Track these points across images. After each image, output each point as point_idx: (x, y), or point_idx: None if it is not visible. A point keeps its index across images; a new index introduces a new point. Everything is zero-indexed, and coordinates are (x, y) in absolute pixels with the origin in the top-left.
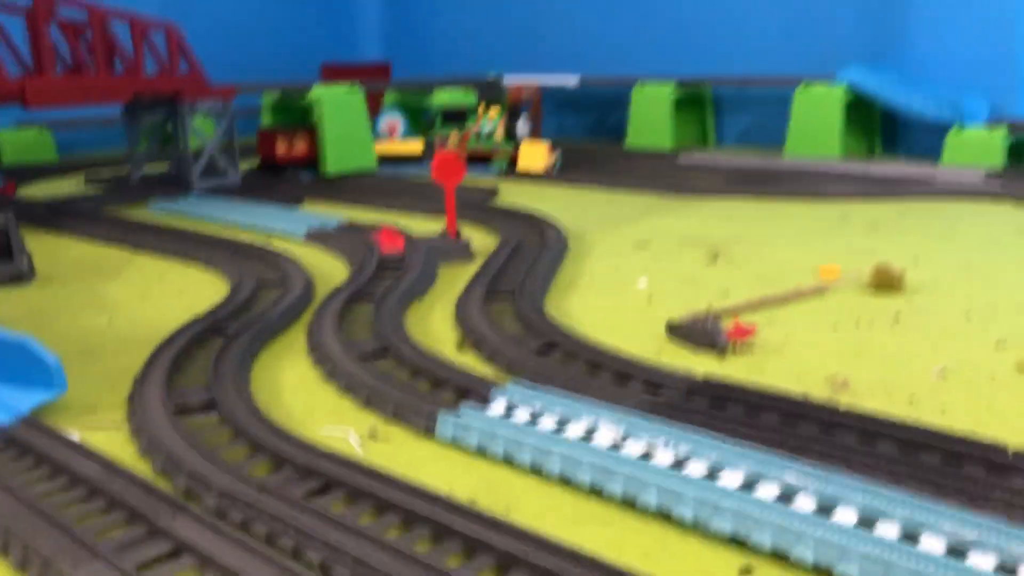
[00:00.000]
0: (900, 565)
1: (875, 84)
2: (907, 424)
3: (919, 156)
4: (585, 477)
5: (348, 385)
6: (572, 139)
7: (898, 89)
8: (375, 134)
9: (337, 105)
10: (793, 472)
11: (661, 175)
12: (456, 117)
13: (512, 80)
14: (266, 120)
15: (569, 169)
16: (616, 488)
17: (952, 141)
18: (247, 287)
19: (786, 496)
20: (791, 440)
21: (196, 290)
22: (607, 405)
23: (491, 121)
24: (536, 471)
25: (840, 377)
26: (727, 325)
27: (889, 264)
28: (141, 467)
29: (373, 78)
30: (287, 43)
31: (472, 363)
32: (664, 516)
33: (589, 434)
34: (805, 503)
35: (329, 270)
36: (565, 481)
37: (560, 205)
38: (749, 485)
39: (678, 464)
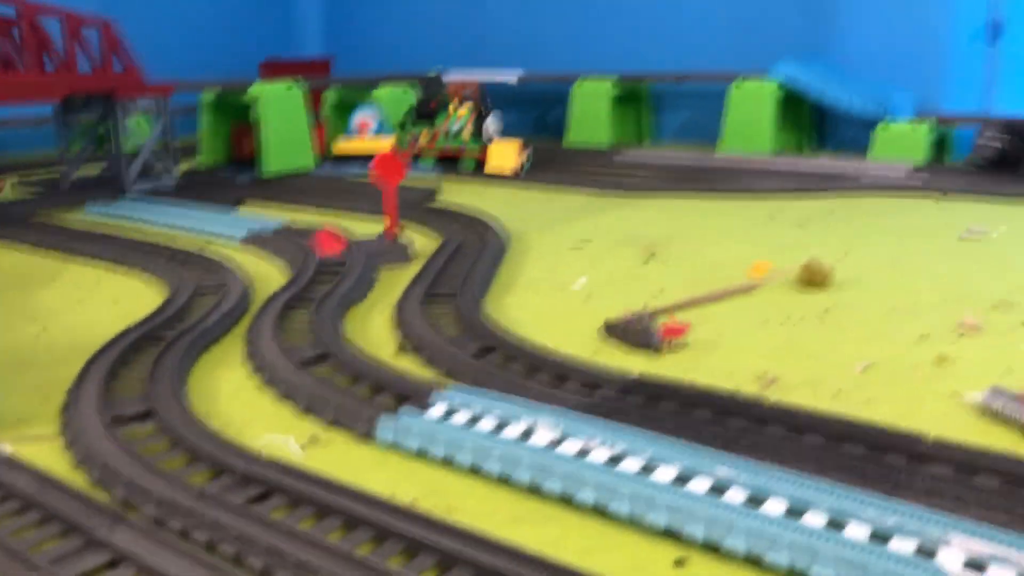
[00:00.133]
0: (826, 552)
1: (806, 80)
2: (832, 417)
3: (848, 150)
4: (524, 476)
5: (287, 392)
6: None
7: (828, 85)
8: (348, 131)
9: (277, 102)
10: (724, 466)
11: (599, 173)
12: (426, 115)
13: (453, 76)
14: (205, 119)
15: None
16: (554, 486)
17: (880, 136)
18: (184, 294)
19: (718, 489)
20: (723, 435)
21: (132, 297)
22: (545, 406)
23: (459, 120)
24: (476, 472)
25: (769, 374)
26: (661, 324)
27: (818, 261)
28: (76, 479)
29: (314, 74)
30: (226, 40)
31: (412, 367)
32: (601, 512)
33: (527, 434)
34: (736, 495)
35: (267, 275)
36: (505, 481)
37: (500, 204)
38: (683, 479)
39: (614, 461)
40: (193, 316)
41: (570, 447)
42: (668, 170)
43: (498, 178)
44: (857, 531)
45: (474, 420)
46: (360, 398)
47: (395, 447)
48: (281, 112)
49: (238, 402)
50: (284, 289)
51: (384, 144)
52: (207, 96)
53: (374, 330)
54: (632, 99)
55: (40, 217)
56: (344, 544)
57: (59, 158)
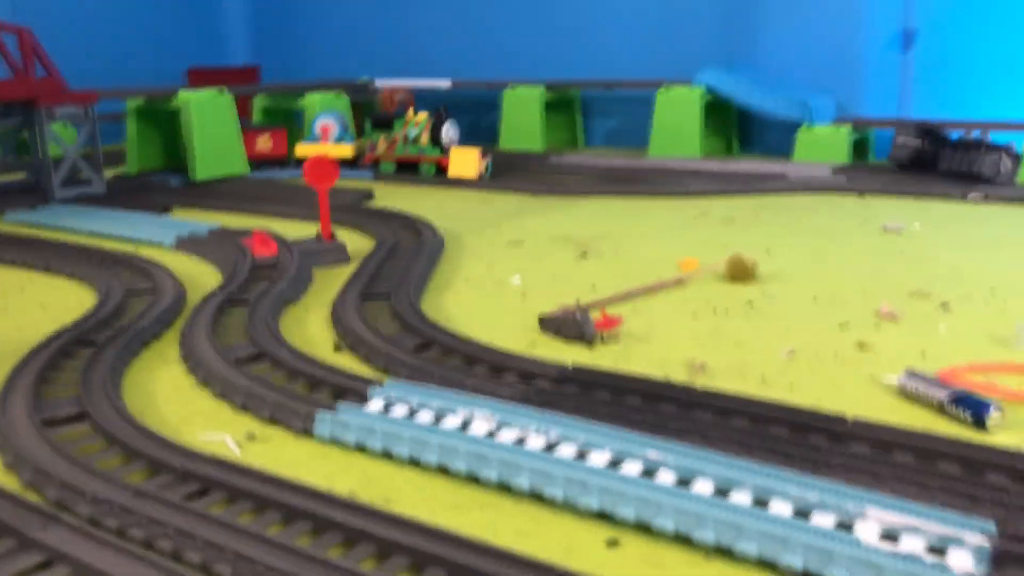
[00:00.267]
0: (751, 527)
1: (730, 86)
2: (758, 401)
3: (773, 153)
4: (461, 465)
5: (223, 391)
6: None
7: (752, 90)
8: (310, 137)
9: (205, 109)
10: (655, 449)
11: (533, 176)
12: (383, 123)
13: (384, 84)
14: (132, 126)
15: (441, 172)
16: (491, 474)
17: (802, 139)
18: (115, 297)
19: (649, 472)
20: (653, 420)
21: (60, 302)
22: (483, 397)
23: (417, 126)
24: (414, 463)
25: (698, 361)
26: (595, 317)
27: (743, 256)
28: (7, 481)
29: (242, 82)
30: (152, 48)
31: (349, 364)
32: (537, 497)
33: (465, 426)
34: (666, 477)
35: (201, 277)
36: (443, 471)
37: (435, 206)
38: (615, 464)
39: (549, 448)
40: (126, 318)
41: (506, 436)
42: (600, 173)
43: (433, 182)
44: (781, 508)
45: (412, 413)
46: (297, 395)
47: (333, 442)
48: (210, 118)
49: (174, 401)
50: (219, 290)
51: (344, 150)
52: (133, 103)
53: (311, 329)
54: (563, 105)
55: None
56: (283, 536)
57: None
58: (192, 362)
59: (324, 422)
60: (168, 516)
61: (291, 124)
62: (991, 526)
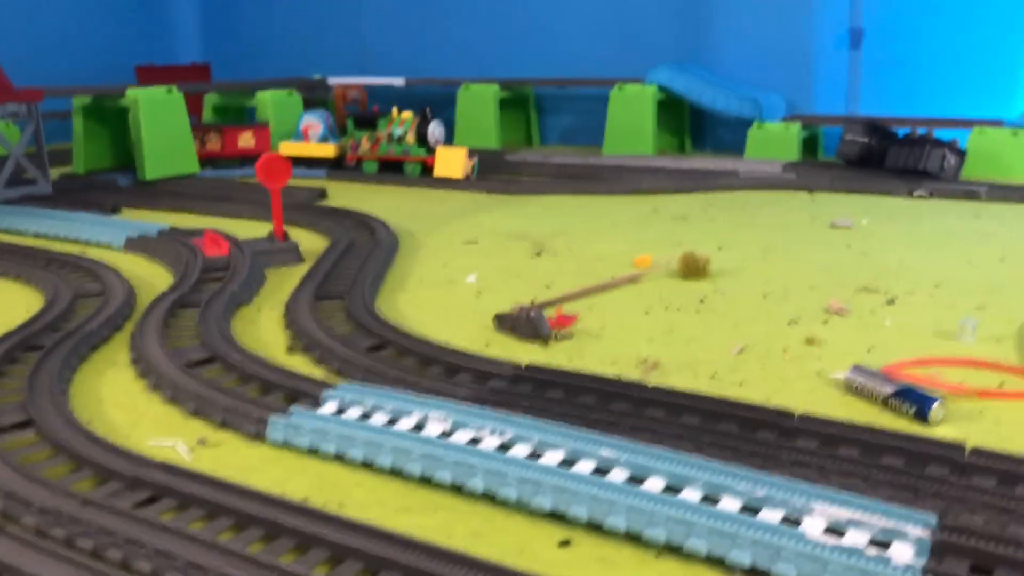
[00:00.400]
0: (701, 524)
1: (682, 84)
2: (709, 397)
3: (725, 150)
4: (415, 468)
5: (174, 395)
6: None
7: (704, 88)
8: (295, 136)
9: (155, 107)
10: (607, 448)
11: (488, 173)
12: (366, 122)
13: (337, 81)
14: (76, 126)
15: (398, 170)
16: (445, 475)
17: (753, 136)
18: (63, 300)
19: (601, 470)
20: (606, 418)
21: (5, 306)
22: (437, 398)
23: (402, 125)
24: (368, 466)
25: (651, 359)
26: (550, 315)
27: (695, 252)
28: None
29: (193, 79)
30: (98, 45)
31: (303, 366)
32: (490, 498)
33: (419, 427)
34: (618, 475)
35: (151, 279)
36: (396, 473)
37: (390, 205)
38: (569, 463)
39: (504, 448)
40: (73, 322)
41: (461, 437)
42: (555, 171)
43: (385, 180)
44: (730, 504)
45: (366, 416)
46: (249, 399)
47: (286, 446)
48: (160, 116)
49: (123, 407)
50: (169, 291)
51: (326, 149)
52: (80, 101)
53: (263, 330)
54: (518, 104)
55: None
56: (235, 543)
57: None
58: (142, 366)
59: (277, 426)
60: (117, 525)
61: (242, 122)
62: (932, 518)
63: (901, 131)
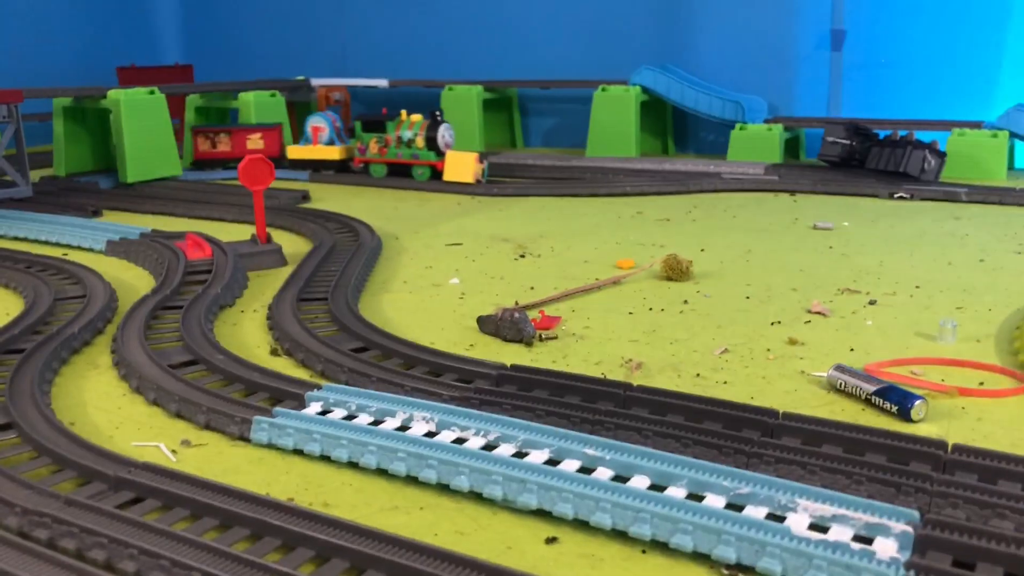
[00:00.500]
0: (686, 520)
1: (665, 86)
2: (693, 397)
3: (708, 152)
4: (400, 467)
5: (157, 398)
6: None
7: (687, 90)
8: (303, 139)
9: (136, 109)
10: (592, 447)
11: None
12: (375, 124)
13: (320, 83)
14: (57, 128)
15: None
16: (430, 475)
17: (736, 138)
18: (43, 303)
19: (586, 469)
20: (591, 418)
21: None
22: (422, 399)
23: (411, 128)
24: (353, 467)
25: (635, 359)
26: (534, 316)
27: (677, 255)
28: None
29: (175, 81)
30: (79, 46)
31: (286, 368)
32: (476, 496)
33: (404, 427)
34: (603, 474)
35: (133, 282)
36: (382, 473)
37: (373, 207)
38: (554, 462)
39: (489, 448)
40: (54, 325)
41: (446, 437)
42: (539, 173)
43: (370, 182)
44: (715, 501)
45: (351, 417)
46: (233, 401)
47: (270, 447)
48: (142, 118)
49: (106, 410)
50: (151, 294)
51: (333, 152)
52: (61, 102)
53: (246, 333)
54: (502, 105)
55: None
56: (220, 542)
57: None
58: (124, 369)
59: (261, 428)
60: (101, 525)
61: (224, 123)
62: (915, 513)
63: (882, 133)
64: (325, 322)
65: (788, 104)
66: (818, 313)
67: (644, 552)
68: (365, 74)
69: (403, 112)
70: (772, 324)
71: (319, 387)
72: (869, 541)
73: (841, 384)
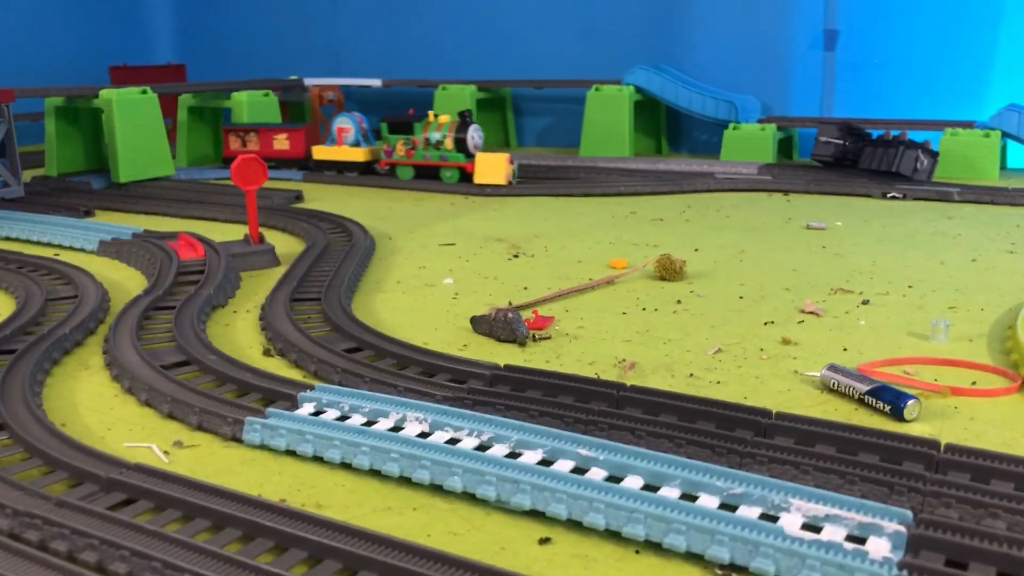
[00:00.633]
0: (680, 521)
1: (659, 86)
2: (686, 397)
3: (701, 152)
4: (393, 468)
5: (149, 398)
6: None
7: (680, 90)
8: (330, 140)
9: (129, 108)
10: (586, 447)
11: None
12: (401, 127)
13: (314, 83)
14: (49, 128)
15: (372, 172)
16: (424, 475)
17: (729, 138)
18: (35, 304)
19: (580, 469)
20: (584, 418)
21: None
22: (415, 399)
23: (439, 129)
24: (346, 467)
25: (628, 359)
26: (527, 317)
27: (671, 255)
28: None
29: (168, 80)
30: (71, 45)
31: (279, 368)
32: (469, 497)
33: (397, 429)
34: (597, 474)
35: (125, 282)
36: (375, 473)
37: (366, 207)
38: (547, 462)
39: (482, 448)
40: (46, 325)
41: (439, 438)
42: (532, 172)
43: (363, 182)
44: (708, 502)
45: (343, 417)
46: (225, 401)
47: (263, 448)
48: (134, 118)
49: (97, 411)
50: (143, 295)
51: (358, 153)
52: (53, 102)
53: (239, 333)
54: (495, 105)
55: None
56: (212, 543)
57: None
58: (116, 369)
59: (254, 428)
60: (92, 527)
61: (218, 123)
62: (908, 513)
63: (875, 133)
64: (318, 322)
65: (781, 104)
66: (811, 313)
67: (638, 552)
68: (359, 74)
69: (431, 113)
70: (765, 324)
71: (312, 388)
72: (862, 541)
73: (834, 384)
